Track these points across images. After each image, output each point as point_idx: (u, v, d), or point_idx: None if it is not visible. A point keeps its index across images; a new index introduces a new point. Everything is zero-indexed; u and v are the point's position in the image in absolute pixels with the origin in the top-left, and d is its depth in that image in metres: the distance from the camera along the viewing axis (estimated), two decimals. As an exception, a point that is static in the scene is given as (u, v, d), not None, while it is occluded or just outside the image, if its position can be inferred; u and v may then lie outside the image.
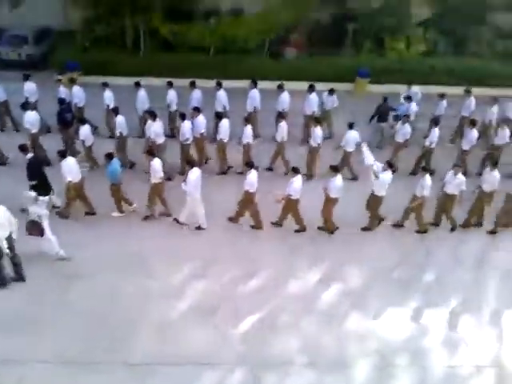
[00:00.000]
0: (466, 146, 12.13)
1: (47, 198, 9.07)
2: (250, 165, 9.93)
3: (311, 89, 13.06)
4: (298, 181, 9.70)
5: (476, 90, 14.34)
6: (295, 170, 9.81)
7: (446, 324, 8.55)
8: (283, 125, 11.74)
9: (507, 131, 12.23)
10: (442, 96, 13.55)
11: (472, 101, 13.57)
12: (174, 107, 13.12)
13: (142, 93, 13.03)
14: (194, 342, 7.83)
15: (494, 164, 10.27)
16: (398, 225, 10.65)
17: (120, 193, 10.24)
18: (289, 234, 10.41)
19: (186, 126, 11.46)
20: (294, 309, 8.62)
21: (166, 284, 8.95)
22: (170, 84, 13.02)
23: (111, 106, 12.82)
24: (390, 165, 10.01)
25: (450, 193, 10.15)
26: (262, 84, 15.73)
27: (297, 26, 18.26)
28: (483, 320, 8.68)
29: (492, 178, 10.19)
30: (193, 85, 13.02)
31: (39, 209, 8.57)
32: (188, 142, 11.65)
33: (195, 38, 17.02)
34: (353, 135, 11.60)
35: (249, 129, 11.59)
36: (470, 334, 8.40)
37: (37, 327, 7.92)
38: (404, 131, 12.08)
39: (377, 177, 9.84)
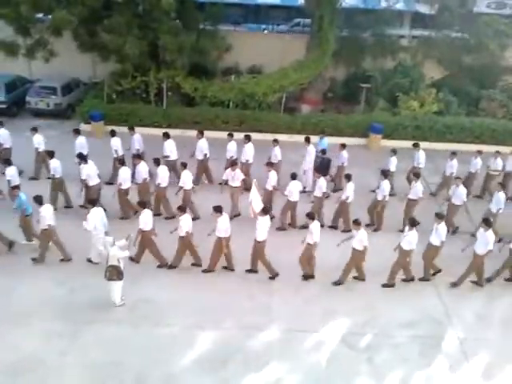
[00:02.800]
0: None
1: (125, 241, 9.20)
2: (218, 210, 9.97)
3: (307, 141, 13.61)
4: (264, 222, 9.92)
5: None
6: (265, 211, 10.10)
7: None
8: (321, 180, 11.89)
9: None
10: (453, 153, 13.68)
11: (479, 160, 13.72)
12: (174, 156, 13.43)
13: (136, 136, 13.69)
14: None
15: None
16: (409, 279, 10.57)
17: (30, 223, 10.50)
18: (303, 284, 10.29)
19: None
20: (305, 364, 8.40)
21: (176, 333, 8.84)
22: (166, 135, 13.37)
23: (40, 149, 13.22)
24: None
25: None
26: (278, 137, 16.35)
27: (312, 83, 18.91)
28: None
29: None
30: (201, 133, 13.50)
31: (120, 252, 8.80)
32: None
33: (215, 94, 17.74)
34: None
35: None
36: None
37: (44, 372, 7.87)
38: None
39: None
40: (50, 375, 7.85)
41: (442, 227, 10.06)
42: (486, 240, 9.94)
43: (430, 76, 20.39)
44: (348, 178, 11.70)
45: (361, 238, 9.79)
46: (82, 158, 11.90)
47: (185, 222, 9.88)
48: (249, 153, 13.32)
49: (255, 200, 10.61)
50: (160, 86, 17.83)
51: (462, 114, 18.72)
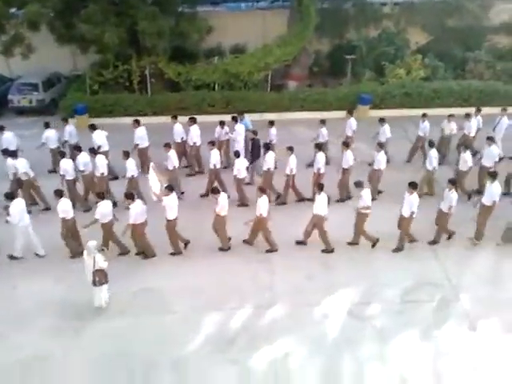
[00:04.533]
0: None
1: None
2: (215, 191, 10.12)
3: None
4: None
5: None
6: (262, 190, 10.02)
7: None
8: (270, 154, 11.91)
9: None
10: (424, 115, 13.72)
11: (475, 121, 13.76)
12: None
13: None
14: (212, 378, 7.72)
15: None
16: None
17: None
18: (303, 260, 10.30)
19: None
20: (311, 337, 8.47)
21: (180, 319, 8.85)
22: (137, 122, 13.22)
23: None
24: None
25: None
26: (266, 116, 16.25)
27: (297, 59, 18.67)
28: None
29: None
30: (192, 120, 13.37)
31: (102, 262, 8.55)
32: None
33: (199, 77, 17.49)
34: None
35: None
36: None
37: (50, 370, 7.89)
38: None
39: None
40: (58, 371, 7.85)
41: (453, 194, 10.02)
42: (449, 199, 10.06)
43: (414, 42, 20.21)
44: (291, 149, 11.67)
45: (365, 199, 9.93)
46: (8, 153, 11.81)
47: (134, 210, 9.69)
48: (195, 134, 13.22)
49: (154, 183, 10.51)
50: (143, 73, 17.55)
51: (450, 78, 18.62)
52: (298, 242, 10.67)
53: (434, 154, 11.90)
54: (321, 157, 11.78)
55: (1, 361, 8.01)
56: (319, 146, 11.95)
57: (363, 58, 19.27)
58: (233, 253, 10.57)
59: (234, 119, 13.53)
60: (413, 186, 9.92)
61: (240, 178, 11.93)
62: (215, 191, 10.13)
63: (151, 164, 11.19)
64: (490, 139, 12.13)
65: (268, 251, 10.52)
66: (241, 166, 11.80)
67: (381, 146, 12.02)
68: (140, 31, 16.13)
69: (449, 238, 10.78)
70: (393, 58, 18.75)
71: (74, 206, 10.67)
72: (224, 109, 16.94)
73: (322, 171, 11.85)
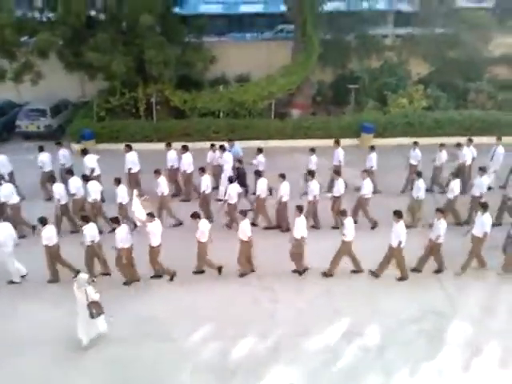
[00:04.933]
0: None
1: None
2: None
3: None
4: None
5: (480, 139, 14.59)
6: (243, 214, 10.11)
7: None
8: (261, 181, 11.98)
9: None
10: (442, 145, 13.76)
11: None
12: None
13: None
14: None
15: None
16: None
17: None
18: (306, 286, 10.26)
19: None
20: (314, 367, 8.32)
21: (181, 347, 8.73)
22: (128, 147, 13.39)
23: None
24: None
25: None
26: (270, 144, 16.44)
27: (300, 88, 19.00)
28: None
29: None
30: (185, 148, 13.49)
31: (94, 294, 8.38)
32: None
33: (204, 105, 17.79)
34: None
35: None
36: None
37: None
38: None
39: None
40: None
41: (441, 223, 10.00)
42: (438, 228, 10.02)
43: (416, 73, 20.60)
44: (283, 176, 11.73)
45: (347, 227, 9.97)
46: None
47: (120, 234, 9.74)
48: (186, 162, 13.31)
49: (138, 209, 10.69)
50: (149, 100, 17.87)
51: (451, 108, 18.85)
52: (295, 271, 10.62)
53: (421, 184, 11.89)
54: (315, 185, 11.79)
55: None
56: (312, 174, 11.94)
57: (366, 87, 19.61)
58: (234, 279, 10.48)
59: (222, 148, 13.60)
60: (398, 214, 9.88)
61: (231, 203, 11.92)
62: (195, 216, 10.10)
63: (134, 191, 11.42)
64: (482, 169, 12.15)
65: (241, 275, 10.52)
66: (232, 192, 11.83)
67: (367, 173, 12.08)
68: (147, 60, 16.55)
69: (438, 271, 10.61)
70: (395, 88, 19.05)
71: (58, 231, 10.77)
72: (228, 135, 17.10)
73: (317, 198, 11.86)
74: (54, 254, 10.11)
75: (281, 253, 10.62)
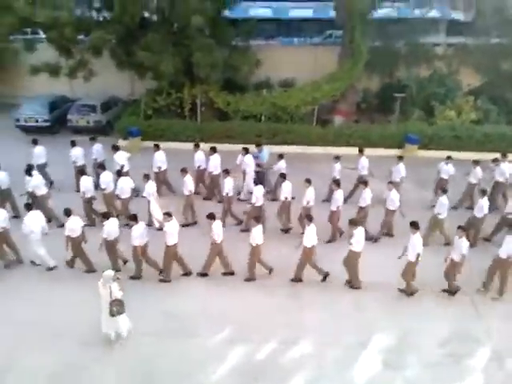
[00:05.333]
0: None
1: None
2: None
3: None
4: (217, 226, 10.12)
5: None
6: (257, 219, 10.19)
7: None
8: (286, 184, 12.03)
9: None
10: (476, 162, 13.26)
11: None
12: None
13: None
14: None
15: None
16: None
17: None
18: (334, 296, 10.17)
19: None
20: (335, 379, 8.24)
21: (207, 347, 8.88)
22: (157, 146, 13.77)
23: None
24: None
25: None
26: (311, 150, 16.38)
27: (345, 94, 18.83)
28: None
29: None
30: (213, 149, 13.64)
31: (118, 291, 8.47)
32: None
33: (247, 108, 17.98)
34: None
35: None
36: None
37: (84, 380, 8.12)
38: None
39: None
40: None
41: (463, 242, 9.68)
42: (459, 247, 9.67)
43: (467, 84, 19.93)
44: (308, 182, 11.69)
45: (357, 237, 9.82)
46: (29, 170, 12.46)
47: (136, 232, 9.97)
48: (213, 164, 13.44)
49: (155, 210, 11.04)
50: (194, 101, 18.24)
51: (502, 123, 18.13)
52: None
53: (444, 200, 11.45)
54: (339, 194, 11.70)
55: (39, 368, 8.31)
56: (338, 183, 11.83)
57: (413, 97, 19.17)
58: (262, 285, 10.52)
59: (245, 150, 13.66)
60: (414, 225, 9.67)
61: (258, 205, 11.96)
62: (210, 217, 10.15)
63: (155, 194, 11.79)
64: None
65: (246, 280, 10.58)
66: (259, 194, 11.89)
67: (393, 184, 11.81)
68: (195, 62, 16.89)
69: (453, 292, 10.22)
70: (443, 98, 18.54)
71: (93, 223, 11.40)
72: (270, 139, 17.25)
73: (340, 208, 11.77)
74: (76, 246, 10.51)
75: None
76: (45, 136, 17.21)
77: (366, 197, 11.70)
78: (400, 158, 13.35)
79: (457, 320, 9.61)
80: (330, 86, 17.97)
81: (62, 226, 11.21)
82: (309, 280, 10.54)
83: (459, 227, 9.80)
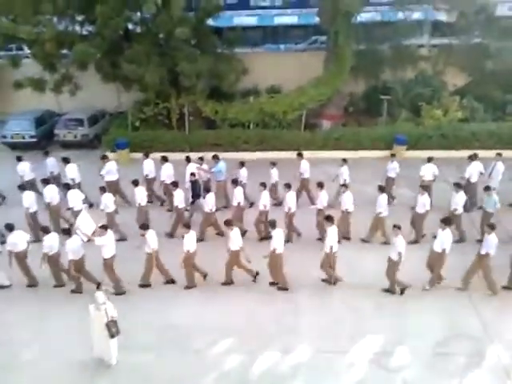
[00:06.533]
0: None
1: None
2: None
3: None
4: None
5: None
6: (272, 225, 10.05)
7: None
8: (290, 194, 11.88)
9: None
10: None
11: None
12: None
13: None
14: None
15: None
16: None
17: None
18: (332, 301, 10.10)
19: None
20: (334, 385, 8.17)
21: (203, 358, 8.75)
22: (146, 155, 14.08)
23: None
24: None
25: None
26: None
27: (331, 99, 18.88)
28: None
29: None
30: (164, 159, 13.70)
31: (112, 310, 8.24)
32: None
33: (235, 115, 17.96)
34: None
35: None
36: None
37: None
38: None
39: None
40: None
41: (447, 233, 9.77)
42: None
43: (452, 83, 20.06)
44: (320, 186, 11.71)
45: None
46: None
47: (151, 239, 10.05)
48: (165, 173, 13.53)
49: (86, 223, 10.97)
50: (181, 111, 18.20)
51: (489, 120, 18.24)
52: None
53: (425, 199, 11.50)
54: (348, 197, 11.71)
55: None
56: (346, 186, 11.87)
57: (399, 99, 19.25)
58: (259, 292, 10.45)
59: (187, 160, 13.62)
60: (397, 227, 9.69)
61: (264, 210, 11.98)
62: (228, 224, 10.14)
63: (84, 205, 12.00)
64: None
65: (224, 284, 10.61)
66: (266, 201, 11.89)
67: (424, 188, 11.75)
68: (180, 72, 16.88)
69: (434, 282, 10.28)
70: (429, 99, 18.63)
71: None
72: (257, 146, 17.23)
73: (350, 210, 11.77)
74: (53, 263, 10.35)
75: (307, 265, 10.55)
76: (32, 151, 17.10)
77: (322, 199, 11.77)
78: (393, 155, 13.61)
79: (454, 318, 9.55)
80: (316, 91, 18.01)
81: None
82: (302, 285, 10.46)
83: (394, 226, 9.77)
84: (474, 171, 12.99)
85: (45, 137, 19.41)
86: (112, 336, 8.17)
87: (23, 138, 18.97)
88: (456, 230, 11.57)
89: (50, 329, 9.50)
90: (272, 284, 10.60)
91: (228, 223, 10.15)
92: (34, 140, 19.03)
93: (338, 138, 17.57)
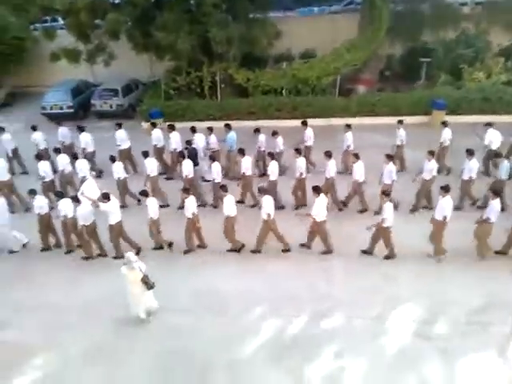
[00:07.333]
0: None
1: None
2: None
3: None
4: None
5: None
6: (317, 190, 9.94)
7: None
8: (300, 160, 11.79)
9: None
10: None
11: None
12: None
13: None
14: None
15: None
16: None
17: None
18: (367, 269, 10.07)
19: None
20: (367, 351, 8.24)
21: (239, 322, 8.99)
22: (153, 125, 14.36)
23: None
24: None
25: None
26: (333, 121, 16.05)
27: (367, 63, 18.27)
28: None
29: None
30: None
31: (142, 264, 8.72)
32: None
33: (268, 82, 17.69)
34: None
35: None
36: None
37: (113, 360, 8.37)
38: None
39: None
40: (121, 361, 8.31)
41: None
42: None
43: (497, 44, 18.96)
44: (328, 155, 11.54)
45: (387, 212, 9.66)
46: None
47: (151, 206, 10.29)
48: (174, 140, 13.63)
49: (91, 189, 11.23)
50: (213, 79, 18.08)
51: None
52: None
53: (432, 165, 11.27)
54: (358, 166, 11.50)
55: (74, 347, 8.63)
56: (357, 156, 11.57)
57: (439, 61, 18.40)
58: (294, 258, 10.55)
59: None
60: (444, 189, 9.56)
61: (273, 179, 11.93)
62: (262, 191, 10.23)
63: (91, 172, 12.23)
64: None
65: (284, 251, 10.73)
66: (274, 169, 11.81)
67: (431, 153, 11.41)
68: (211, 38, 16.66)
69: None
70: (472, 60, 17.73)
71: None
72: (290, 113, 16.99)
73: (360, 180, 11.58)
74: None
75: (342, 234, 10.52)
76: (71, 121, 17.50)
77: (300, 165, 11.65)
78: (400, 122, 13.13)
79: (489, 286, 9.37)
80: (351, 55, 17.44)
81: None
82: (336, 253, 10.48)
83: (441, 188, 9.62)
84: (493, 138, 12.53)
85: (82, 107, 19.84)
86: (150, 287, 8.61)
87: (61, 108, 19.44)
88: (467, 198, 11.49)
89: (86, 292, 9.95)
90: (302, 245, 10.71)
91: (261, 190, 10.22)
92: (72, 110, 19.45)
93: (374, 103, 17.08)
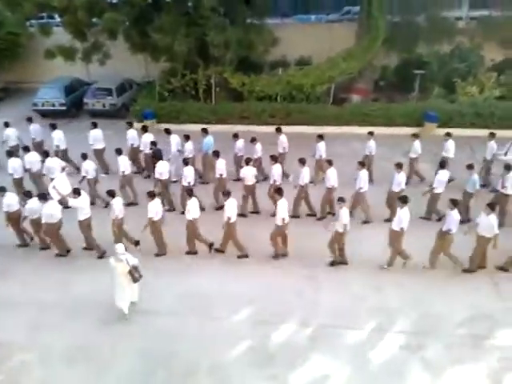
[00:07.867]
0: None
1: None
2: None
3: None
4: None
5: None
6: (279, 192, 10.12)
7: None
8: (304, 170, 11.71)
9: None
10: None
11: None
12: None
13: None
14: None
15: None
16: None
17: None
18: (354, 279, 10.06)
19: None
20: (351, 360, 8.21)
21: (223, 326, 8.95)
22: (130, 124, 14.36)
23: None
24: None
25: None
26: (325, 129, 16.10)
27: (362, 72, 18.38)
28: None
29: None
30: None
31: (133, 258, 8.76)
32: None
33: (262, 88, 17.71)
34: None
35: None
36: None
37: (95, 361, 8.28)
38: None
39: None
40: (104, 362, 8.22)
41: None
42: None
43: (490, 59, 19.19)
44: (329, 163, 11.65)
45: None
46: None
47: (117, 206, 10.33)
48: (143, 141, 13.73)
49: (62, 185, 11.21)
50: (208, 82, 18.07)
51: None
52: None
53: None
54: (364, 174, 11.50)
55: (55, 347, 8.52)
56: (363, 164, 11.61)
57: (433, 73, 18.56)
58: (279, 266, 10.52)
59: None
60: (453, 202, 9.61)
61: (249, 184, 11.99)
62: (279, 191, 10.18)
63: (65, 168, 12.34)
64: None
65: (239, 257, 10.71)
66: (248, 173, 11.85)
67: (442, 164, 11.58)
68: (208, 41, 16.67)
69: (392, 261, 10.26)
70: (465, 75, 17.91)
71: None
72: (283, 120, 17.02)
73: (363, 190, 11.54)
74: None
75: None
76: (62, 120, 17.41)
77: (304, 176, 11.61)
78: (415, 135, 13.20)
79: (476, 299, 9.42)
80: (346, 64, 17.54)
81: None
82: (325, 261, 10.47)
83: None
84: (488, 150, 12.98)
85: (74, 105, 19.72)
86: (135, 280, 8.64)
87: (53, 105, 19.31)
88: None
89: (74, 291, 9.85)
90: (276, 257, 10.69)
91: (225, 194, 10.28)
92: (64, 108, 19.33)
93: (367, 113, 17.16)
